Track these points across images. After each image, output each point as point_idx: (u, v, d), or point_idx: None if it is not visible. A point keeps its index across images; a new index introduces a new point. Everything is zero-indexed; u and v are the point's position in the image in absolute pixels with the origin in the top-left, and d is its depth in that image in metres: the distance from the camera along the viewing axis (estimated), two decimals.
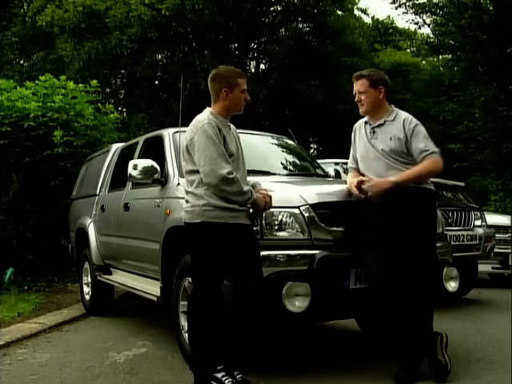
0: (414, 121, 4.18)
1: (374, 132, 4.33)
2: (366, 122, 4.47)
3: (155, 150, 5.52)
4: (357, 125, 4.65)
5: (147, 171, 5.00)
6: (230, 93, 3.89)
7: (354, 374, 4.19)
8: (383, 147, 4.18)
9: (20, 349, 5.05)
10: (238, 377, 3.78)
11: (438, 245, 4.54)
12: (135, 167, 5.02)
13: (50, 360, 4.67)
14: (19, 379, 4.16)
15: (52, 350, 4.98)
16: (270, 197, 3.82)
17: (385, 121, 4.26)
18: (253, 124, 15.68)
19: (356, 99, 4.43)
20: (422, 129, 4.17)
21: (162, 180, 5.07)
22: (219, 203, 3.63)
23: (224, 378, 3.68)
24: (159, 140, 5.60)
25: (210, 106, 3.97)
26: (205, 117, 3.78)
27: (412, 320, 4.06)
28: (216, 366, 3.72)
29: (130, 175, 5.05)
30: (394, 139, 4.14)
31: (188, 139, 3.76)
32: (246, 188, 3.67)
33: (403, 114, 4.25)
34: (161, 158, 5.23)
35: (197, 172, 3.71)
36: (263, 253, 3.81)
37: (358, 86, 4.35)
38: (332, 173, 6.18)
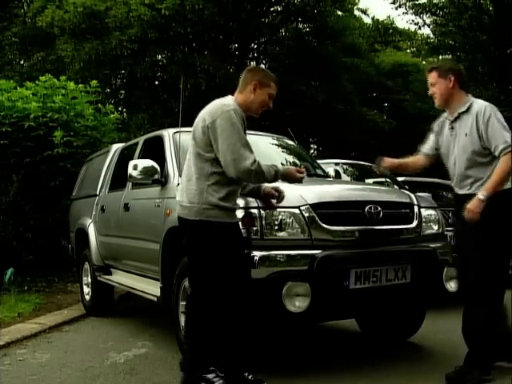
0: (488, 111, 3.92)
1: (452, 128, 4.13)
2: (446, 117, 4.24)
3: (155, 150, 5.52)
4: (442, 117, 4.32)
5: (147, 171, 5.00)
6: (259, 89, 3.80)
7: (353, 374, 4.19)
8: (460, 146, 4.02)
9: (20, 349, 5.06)
10: (249, 377, 3.78)
11: (438, 245, 4.55)
12: (135, 167, 5.02)
13: (50, 360, 4.67)
14: (19, 379, 4.16)
15: (52, 351, 4.98)
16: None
17: (459, 113, 4.06)
18: (253, 124, 15.65)
19: (429, 93, 4.22)
20: (495, 121, 3.88)
21: (162, 180, 5.08)
22: (218, 202, 3.59)
23: (215, 379, 3.65)
24: (159, 140, 5.60)
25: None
26: (230, 102, 3.71)
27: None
28: (208, 367, 3.69)
29: (130, 175, 5.05)
30: (469, 136, 3.95)
31: (209, 121, 3.60)
32: (269, 170, 3.61)
33: (477, 105, 4.00)
34: (161, 159, 5.23)
35: (207, 161, 3.59)
36: (263, 253, 3.82)
37: (429, 78, 4.18)
38: (332, 173, 6.18)
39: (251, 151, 3.56)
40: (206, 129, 3.61)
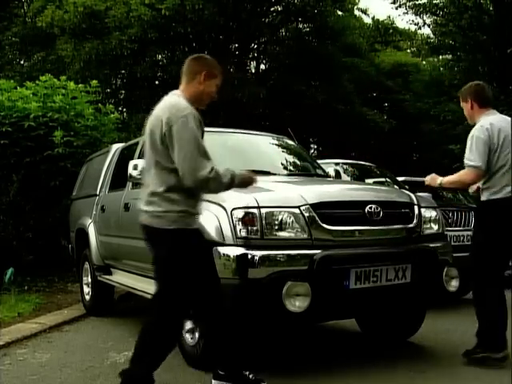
0: (472, 132, 4.52)
1: None
2: None
3: None
4: None
5: None
6: (208, 80, 3.59)
7: (353, 373, 4.19)
8: None
9: (20, 349, 5.06)
10: (250, 376, 3.76)
11: (438, 245, 4.56)
12: (135, 167, 5.01)
13: (50, 360, 4.67)
14: (19, 379, 4.16)
15: (52, 351, 4.98)
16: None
17: None
18: (253, 124, 15.66)
19: None
20: (473, 140, 4.46)
21: None
22: (190, 209, 3.48)
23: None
24: None
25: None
26: (183, 104, 3.44)
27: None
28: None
29: (131, 175, 5.05)
30: None
31: (165, 128, 3.35)
32: (225, 178, 3.47)
33: (477, 124, 4.57)
34: None
35: (173, 171, 3.39)
36: (263, 252, 3.82)
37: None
38: (332, 173, 6.18)
39: (209, 158, 3.44)
40: (163, 137, 3.38)
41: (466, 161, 4.45)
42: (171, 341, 3.63)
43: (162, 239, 3.47)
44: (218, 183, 3.43)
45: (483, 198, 4.49)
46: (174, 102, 3.46)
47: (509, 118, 4.59)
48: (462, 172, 4.52)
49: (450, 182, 4.62)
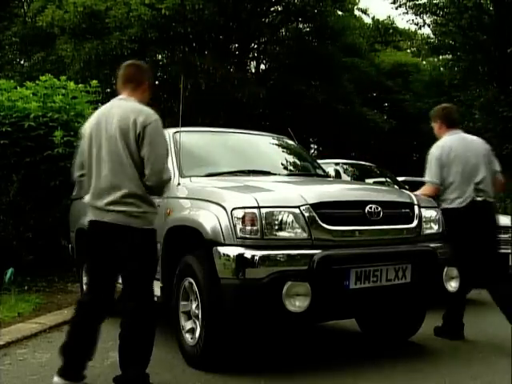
0: (430, 150, 5.22)
1: None
2: None
3: None
4: None
5: None
6: (149, 88, 3.83)
7: (353, 373, 4.19)
8: None
9: (20, 349, 5.05)
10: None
11: (438, 245, 4.56)
12: None
13: (50, 360, 4.66)
14: (19, 379, 4.16)
15: (52, 350, 4.96)
16: None
17: None
18: (253, 124, 15.67)
19: None
20: (429, 158, 5.20)
21: None
22: (154, 209, 3.72)
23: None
24: None
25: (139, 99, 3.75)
26: (149, 109, 3.58)
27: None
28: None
29: None
30: None
31: (140, 125, 3.46)
32: None
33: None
34: None
35: (140, 168, 3.51)
36: (263, 252, 3.82)
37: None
38: (332, 173, 6.19)
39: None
40: (130, 134, 3.47)
41: (425, 177, 5.24)
42: (154, 333, 3.80)
43: (138, 238, 3.56)
44: (167, 187, 3.74)
45: (441, 207, 5.01)
46: (139, 106, 3.59)
47: (468, 138, 5.32)
48: (423, 187, 5.24)
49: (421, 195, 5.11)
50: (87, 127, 3.66)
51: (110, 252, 3.63)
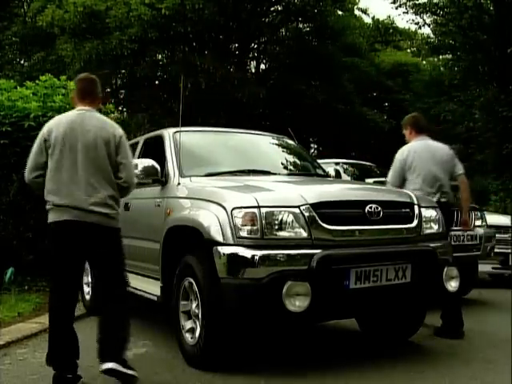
0: (397, 153, 5.75)
1: None
2: None
3: (156, 149, 5.53)
4: None
5: (147, 171, 5.01)
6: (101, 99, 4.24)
7: (353, 373, 4.19)
8: None
9: (20, 348, 5.05)
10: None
11: (438, 244, 4.55)
12: (135, 167, 5.02)
13: None
14: (19, 379, 4.16)
15: None
16: None
17: None
18: (253, 124, 15.66)
19: None
20: (394, 161, 5.74)
21: (163, 180, 5.08)
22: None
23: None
24: (160, 140, 5.60)
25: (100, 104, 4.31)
26: (110, 121, 4.04)
27: None
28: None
29: None
30: None
31: (118, 136, 3.90)
32: None
33: None
34: (161, 158, 5.23)
35: (111, 172, 3.89)
36: (263, 252, 3.82)
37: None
38: (332, 173, 6.19)
39: None
40: (110, 143, 3.86)
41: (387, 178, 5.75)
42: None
43: (116, 237, 4.01)
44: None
45: None
46: (110, 120, 4.06)
47: (432, 144, 5.74)
48: None
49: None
50: (59, 135, 3.84)
51: (82, 250, 3.91)
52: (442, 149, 5.77)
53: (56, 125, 3.92)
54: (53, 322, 3.95)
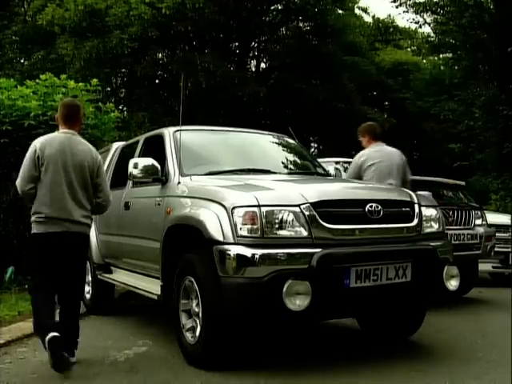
0: (354, 157, 6.48)
1: None
2: None
3: (156, 148, 5.52)
4: None
5: (148, 170, 5.01)
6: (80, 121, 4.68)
7: (353, 372, 4.19)
8: None
9: (21, 347, 5.06)
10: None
11: (438, 243, 4.55)
12: (136, 166, 5.03)
13: None
14: (20, 378, 4.16)
15: None
16: None
17: None
18: (253, 123, 15.66)
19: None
20: (351, 164, 6.45)
21: (163, 179, 5.08)
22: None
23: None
24: (160, 139, 5.60)
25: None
26: (90, 146, 4.59)
27: None
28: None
29: (131, 174, 5.06)
30: None
31: (98, 160, 4.52)
32: None
33: None
34: (161, 157, 5.23)
35: (90, 190, 4.48)
36: (264, 251, 3.82)
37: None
38: (332, 172, 6.19)
39: None
40: (93, 166, 4.45)
41: None
42: None
43: (88, 242, 4.71)
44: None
45: None
46: (90, 145, 4.59)
47: (386, 150, 6.34)
48: None
49: None
50: (52, 154, 4.31)
51: (69, 256, 4.40)
52: (396, 154, 6.38)
53: (49, 144, 4.35)
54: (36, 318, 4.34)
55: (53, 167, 4.28)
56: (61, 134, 4.46)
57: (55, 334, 4.03)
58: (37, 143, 4.36)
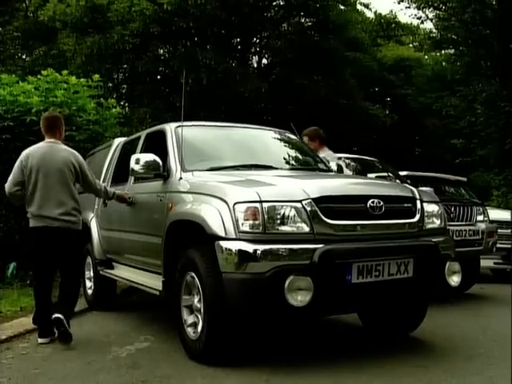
0: None
1: None
2: None
3: (157, 144, 5.52)
4: None
5: (149, 166, 5.02)
6: (62, 131, 5.39)
7: (355, 367, 4.19)
8: None
9: (23, 343, 5.07)
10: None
11: (440, 239, 4.54)
12: (137, 162, 5.03)
13: (52, 354, 4.68)
14: (22, 373, 4.17)
15: (54, 345, 4.98)
16: None
17: None
18: (255, 119, 15.65)
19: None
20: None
21: (165, 174, 5.08)
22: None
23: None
24: (161, 134, 5.59)
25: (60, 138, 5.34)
26: (73, 150, 5.29)
27: None
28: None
29: (133, 170, 5.06)
30: None
31: (80, 161, 5.22)
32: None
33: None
34: (163, 153, 5.22)
35: (74, 189, 5.18)
36: (265, 247, 3.82)
37: (304, 139, 6.84)
38: (334, 167, 6.17)
39: None
40: (75, 168, 5.14)
41: None
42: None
43: (75, 236, 5.21)
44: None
45: None
46: (71, 149, 5.27)
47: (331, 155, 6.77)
48: None
49: None
50: (34, 164, 5.05)
51: (54, 247, 5.07)
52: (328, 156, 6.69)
53: (31, 155, 5.10)
54: (37, 298, 5.18)
55: (35, 174, 5.03)
56: (44, 144, 5.20)
57: (58, 315, 4.85)
58: (23, 154, 5.17)
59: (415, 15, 23.80)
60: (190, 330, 4.38)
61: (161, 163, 5.03)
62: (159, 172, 5.06)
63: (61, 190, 5.05)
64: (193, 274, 4.31)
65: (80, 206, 5.28)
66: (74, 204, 5.13)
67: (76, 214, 5.16)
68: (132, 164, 5.05)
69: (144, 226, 5.47)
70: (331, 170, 6.02)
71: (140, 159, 5.04)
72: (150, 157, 5.06)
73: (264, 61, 24.63)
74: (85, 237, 5.60)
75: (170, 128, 5.53)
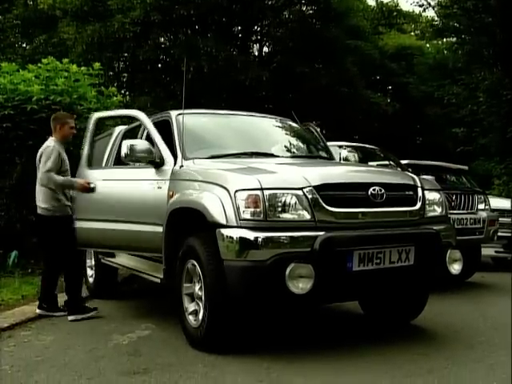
0: None
1: None
2: None
3: (159, 132, 5.49)
4: None
5: (142, 151, 4.97)
6: (62, 127, 5.85)
7: (355, 355, 4.20)
8: None
9: (24, 331, 5.08)
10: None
11: (441, 227, 4.53)
12: (131, 148, 4.98)
13: (54, 342, 4.70)
14: (24, 361, 4.18)
15: (56, 333, 5.00)
16: None
17: None
18: (256, 107, 15.61)
19: None
20: None
21: (158, 161, 5.03)
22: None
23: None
24: (163, 123, 5.57)
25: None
26: (51, 144, 5.71)
27: None
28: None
29: (126, 155, 4.99)
30: None
31: (40, 152, 5.74)
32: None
33: None
34: (164, 140, 5.20)
35: None
36: (267, 234, 3.82)
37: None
38: (336, 155, 6.16)
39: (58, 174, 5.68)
40: (39, 161, 5.72)
41: None
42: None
43: (53, 222, 5.66)
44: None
45: None
46: (46, 143, 5.79)
47: None
48: None
49: None
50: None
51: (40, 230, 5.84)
52: None
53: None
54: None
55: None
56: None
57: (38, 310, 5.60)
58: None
59: (417, 2, 23.65)
60: (191, 318, 4.39)
61: (153, 150, 5.01)
62: (157, 160, 5.03)
63: (38, 182, 5.74)
64: (194, 262, 4.32)
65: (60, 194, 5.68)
66: (43, 194, 5.66)
67: (49, 201, 5.65)
68: (124, 149, 4.97)
69: (143, 214, 5.36)
70: (333, 158, 6.01)
71: (133, 145, 4.99)
72: (143, 143, 5.05)
73: (265, 49, 24.54)
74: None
75: (171, 116, 5.51)
